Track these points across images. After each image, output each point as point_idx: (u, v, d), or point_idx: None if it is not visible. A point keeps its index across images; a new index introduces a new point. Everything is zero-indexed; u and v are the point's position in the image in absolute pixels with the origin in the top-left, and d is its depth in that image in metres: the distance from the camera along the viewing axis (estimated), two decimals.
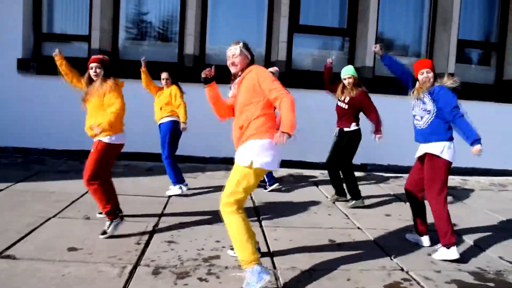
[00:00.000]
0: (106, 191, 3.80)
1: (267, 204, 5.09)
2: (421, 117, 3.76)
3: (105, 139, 3.76)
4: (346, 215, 4.81)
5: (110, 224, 3.76)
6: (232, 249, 3.35)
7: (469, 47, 8.29)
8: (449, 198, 5.83)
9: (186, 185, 5.30)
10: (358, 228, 4.39)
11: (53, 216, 4.16)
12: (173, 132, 5.27)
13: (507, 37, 8.14)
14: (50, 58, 7.23)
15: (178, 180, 5.23)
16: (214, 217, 4.35)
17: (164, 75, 5.38)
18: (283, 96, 2.87)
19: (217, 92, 3.17)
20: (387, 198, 5.79)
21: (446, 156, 3.62)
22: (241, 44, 3.10)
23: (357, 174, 6.40)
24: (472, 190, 6.58)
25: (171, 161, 5.24)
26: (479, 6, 8.31)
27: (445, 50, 7.67)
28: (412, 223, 4.13)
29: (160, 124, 5.38)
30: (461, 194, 6.24)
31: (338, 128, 5.24)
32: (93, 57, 3.94)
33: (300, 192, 5.83)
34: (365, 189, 6.14)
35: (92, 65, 3.84)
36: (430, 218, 3.83)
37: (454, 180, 7.10)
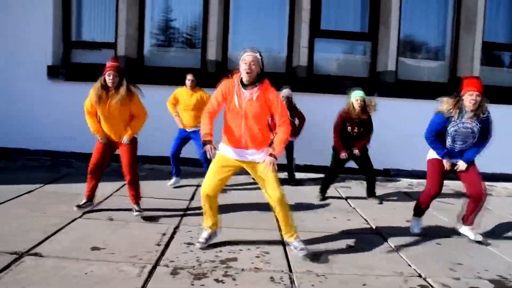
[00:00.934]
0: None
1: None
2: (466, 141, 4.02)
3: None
4: (366, 220, 4.80)
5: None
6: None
7: (494, 50, 8.12)
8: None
9: None
10: (377, 233, 4.37)
11: (79, 217, 4.31)
12: None
13: None
14: (79, 65, 7.59)
15: None
16: (233, 221, 4.43)
17: (190, 76, 5.63)
18: (286, 124, 3.45)
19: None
20: (408, 203, 5.73)
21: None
22: (258, 53, 3.37)
23: (379, 178, 6.43)
24: (498, 196, 6.43)
25: None
26: (504, 8, 8.13)
27: (470, 53, 7.54)
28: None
29: (196, 131, 5.52)
30: (487, 200, 6.10)
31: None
32: (110, 64, 4.15)
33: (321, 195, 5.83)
34: (387, 194, 6.12)
35: (110, 72, 4.09)
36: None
37: None
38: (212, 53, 7.36)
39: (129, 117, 4.36)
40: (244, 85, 3.39)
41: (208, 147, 3.30)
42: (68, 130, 7.34)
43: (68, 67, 7.58)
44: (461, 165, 4.09)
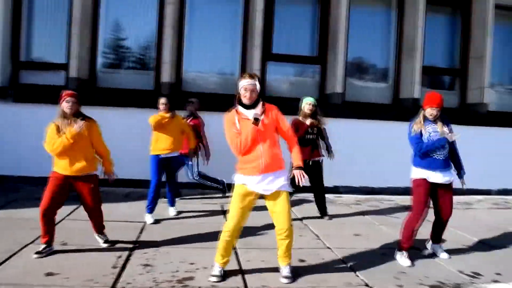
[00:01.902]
0: None
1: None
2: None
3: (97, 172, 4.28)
4: (317, 236, 5.01)
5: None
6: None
7: (434, 74, 8.78)
8: None
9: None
10: (328, 247, 4.58)
11: (31, 243, 4.23)
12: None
13: (468, 64, 8.65)
14: (28, 86, 7.42)
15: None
16: (190, 241, 4.50)
17: (163, 100, 5.47)
18: (294, 137, 3.69)
19: None
20: (356, 218, 6.03)
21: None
22: (257, 79, 3.49)
23: (329, 196, 6.68)
24: None
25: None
26: (442, 35, 8.83)
27: (411, 76, 8.10)
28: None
29: (172, 156, 5.53)
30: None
31: None
32: (68, 91, 4.08)
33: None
34: (337, 210, 6.39)
35: (69, 99, 4.01)
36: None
37: None
38: (166, 75, 7.45)
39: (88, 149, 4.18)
40: (245, 106, 3.48)
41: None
42: (16, 153, 7.13)
43: (16, 88, 7.40)
44: (464, 182, 4.42)
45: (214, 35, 7.98)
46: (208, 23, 7.97)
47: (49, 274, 3.47)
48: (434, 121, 4.25)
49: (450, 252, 4.50)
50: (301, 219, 5.80)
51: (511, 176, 8.41)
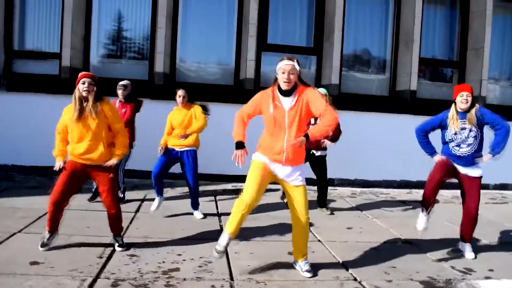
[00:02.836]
0: None
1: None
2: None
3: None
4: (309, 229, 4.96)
5: None
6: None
7: (431, 65, 8.68)
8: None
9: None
10: (319, 240, 4.54)
11: (18, 232, 4.20)
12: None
13: (466, 56, 8.56)
14: (21, 75, 7.36)
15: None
16: (178, 232, 4.46)
17: (181, 92, 5.05)
18: (329, 111, 3.15)
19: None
20: (350, 211, 5.98)
21: None
22: (296, 61, 3.23)
23: None
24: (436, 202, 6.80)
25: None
26: (439, 26, 8.73)
27: (408, 68, 8.01)
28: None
29: (182, 150, 5.14)
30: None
31: None
32: (84, 72, 3.83)
33: (265, 206, 5.96)
34: (331, 203, 6.34)
35: (84, 79, 3.71)
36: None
37: (415, 194, 7.32)
38: (160, 65, 7.36)
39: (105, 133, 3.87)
40: (283, 93, 3.28)
41: (239, 152, 3.27)
42: (9, 142, 7.08)
43: (10, 77, 7.33)
44: (485, 158, 4.11)
45: (209, 25, 7.89)
46: (203, 12, 7.88)
47: (34, 263, 3.44)
48: (468, 111, 4.07)
49: (444, 247, 4.44)
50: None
51: (509, 170, 8.34)
